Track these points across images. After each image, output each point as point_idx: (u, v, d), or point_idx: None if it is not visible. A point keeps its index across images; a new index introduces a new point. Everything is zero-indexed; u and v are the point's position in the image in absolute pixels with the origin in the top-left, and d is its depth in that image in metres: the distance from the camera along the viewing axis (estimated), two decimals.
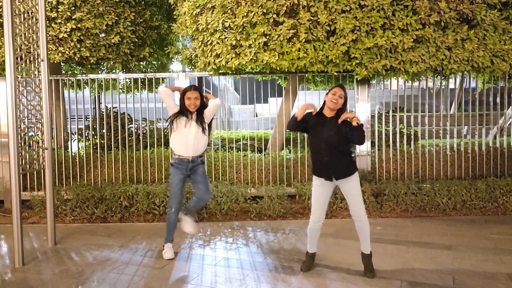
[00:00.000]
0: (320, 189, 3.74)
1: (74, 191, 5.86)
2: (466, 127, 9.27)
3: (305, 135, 7.01)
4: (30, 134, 4.52)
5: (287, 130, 3.73)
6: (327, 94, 3.71)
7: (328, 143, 3.63)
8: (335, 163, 3.67)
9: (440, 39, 5.52)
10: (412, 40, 5.45)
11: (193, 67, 6.91)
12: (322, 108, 3.77)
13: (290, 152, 6.95)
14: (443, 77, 6.85)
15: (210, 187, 4.78)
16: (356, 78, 5.98)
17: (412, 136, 6.85)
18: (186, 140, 4.11)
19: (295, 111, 3.70)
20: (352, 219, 3.78)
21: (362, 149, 6.37)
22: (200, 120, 4.13)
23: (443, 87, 6.84)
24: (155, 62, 8.31)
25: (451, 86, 9.59)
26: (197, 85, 10.58)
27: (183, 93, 4.11)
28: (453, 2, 5.45)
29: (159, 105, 6.94)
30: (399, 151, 6.58)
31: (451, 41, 5.51)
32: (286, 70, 5.69)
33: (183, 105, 4.10)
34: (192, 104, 4.07)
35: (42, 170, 4.74)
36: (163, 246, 4.31)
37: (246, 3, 5.56)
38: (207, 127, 4.20)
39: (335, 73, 5.85)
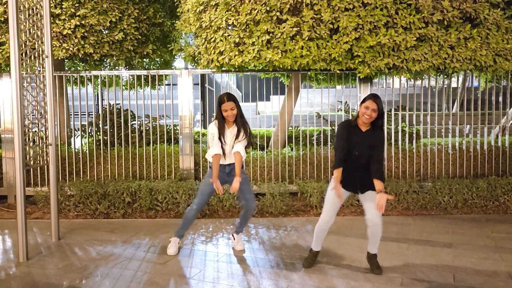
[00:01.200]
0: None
1: (78, 187, 5.90)
2: (468, 126, 9.28)
3: (307, 133, 7.04)
4: (34, 130, 4.55)
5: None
6: (361, 104, 3.59)
7: (362, 158, 3.58)
8: (365, 178, 3.61)
9: (443, 37, 5.52)
10: (415, 38, 5.46)
11: (196, 64, 6.92)
12: (357, 117, 3.66)
13: (292, 149, 6.97)
14: (445, 76, 6.86)
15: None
16: (359, 77, 6.00)
17: (414, 135, 6.86)
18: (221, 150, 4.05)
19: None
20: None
21: None
22: (234, 134, 4.06)
23: (445, 85, 6.84)
24: (158, 59, 8.33)
25: (454, 85, 9.59)
26: (199, 83, 10.56)
27: (219, 103, 4.01)
28: (456, 1, 5.45)
29: (162, 102, 6.99)
30: (401, 149, 6.59)
31: (453, 40, 5.52)
32: (288, 68, 5.71)
33: (221, 116, 4.03)
34: (230, 115, 3.99)
35: (46, 166, 4.76)
36: (170, 239, 4.34)
37: (249, 1, 5.57)
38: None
39: (338, 71, 5.86)
